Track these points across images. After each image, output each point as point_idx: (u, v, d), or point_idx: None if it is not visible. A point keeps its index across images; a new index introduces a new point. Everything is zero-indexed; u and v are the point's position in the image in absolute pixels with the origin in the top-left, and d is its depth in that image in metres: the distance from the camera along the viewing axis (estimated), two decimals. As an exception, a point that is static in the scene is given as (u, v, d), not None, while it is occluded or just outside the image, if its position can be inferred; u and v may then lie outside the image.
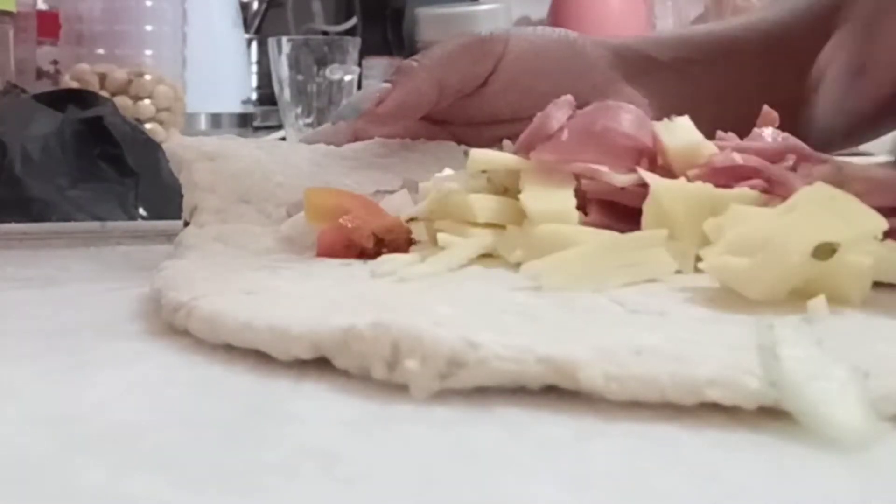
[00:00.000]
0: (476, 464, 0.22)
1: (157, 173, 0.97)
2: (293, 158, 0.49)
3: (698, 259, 0.35)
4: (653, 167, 0.41)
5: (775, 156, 0.41)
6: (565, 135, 0.41)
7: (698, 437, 0.24)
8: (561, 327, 0.30)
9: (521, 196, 0.40)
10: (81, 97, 1.03)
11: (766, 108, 0.45)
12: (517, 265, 0.37)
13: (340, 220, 0.41)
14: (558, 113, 0.42)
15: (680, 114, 0.43)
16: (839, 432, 0.24)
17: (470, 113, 0.56)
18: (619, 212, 0.40)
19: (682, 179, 0.40)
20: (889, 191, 0.37)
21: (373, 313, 0.28)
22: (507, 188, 0.42)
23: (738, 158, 0.40)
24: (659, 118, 0.43)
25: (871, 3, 0.49)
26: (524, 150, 0.42)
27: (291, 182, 0.47)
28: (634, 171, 0.40)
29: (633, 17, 1.52)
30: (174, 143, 0.48)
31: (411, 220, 0.42)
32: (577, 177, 0.41)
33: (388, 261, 0.38)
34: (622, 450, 0.23)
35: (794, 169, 0.41)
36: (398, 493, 0.21)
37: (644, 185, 0.39)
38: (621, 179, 0.40)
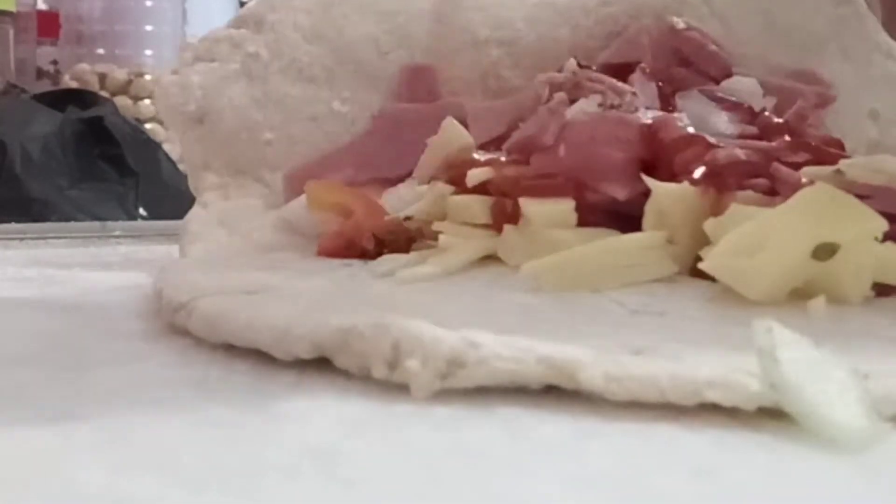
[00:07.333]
0: (476, 464, 0.22)
1: (157, 173, 0.97)
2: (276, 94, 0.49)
3: (698, 259, 0.35)
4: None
5: (780, 151, 0.40)
6: (562, 150, 0.41)
7: (698, 437, 0.24)
8: (561, 327, 0.30)
9: (520, 198, 0.40)
10: (81, 97, 1.03)
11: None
12: (517, 266, 0.37)
13: (340, 226, 0.42)
14: (552, 125, 0.42)
15: None
16: (839, 433, 0.24)
17: None
18: (619, 214, 0.39)
19: (685, 182, 0.39)
20: (893, 198, 0.37)
21: (373, 313, 0.28)
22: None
23: (741, 154, 0.39)
24: None
25: None
26: (518, 153, 0.41)
27: (279, 137, 0.48)
28: (634, 179, 0.39)
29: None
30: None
31: (408, 218, 0.41)
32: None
33: (388, 261, 0.38)
34: (622, 450, 0.23)
35: (800, 166, 0.39)
36: (398, 493, 0.21)
37: (644, 195, 0.38)
38: (622, 192, 0.39)
